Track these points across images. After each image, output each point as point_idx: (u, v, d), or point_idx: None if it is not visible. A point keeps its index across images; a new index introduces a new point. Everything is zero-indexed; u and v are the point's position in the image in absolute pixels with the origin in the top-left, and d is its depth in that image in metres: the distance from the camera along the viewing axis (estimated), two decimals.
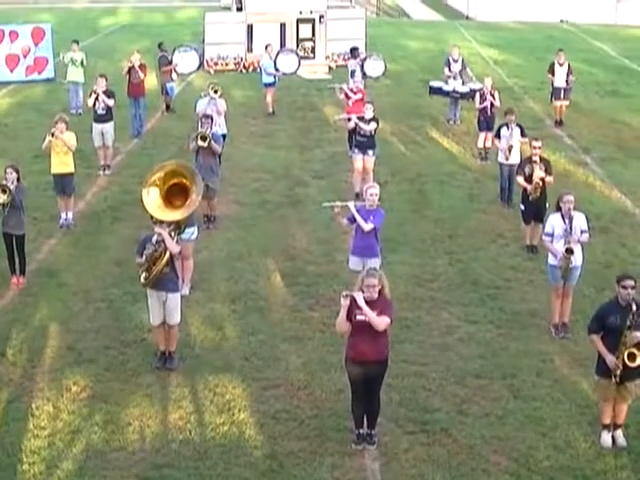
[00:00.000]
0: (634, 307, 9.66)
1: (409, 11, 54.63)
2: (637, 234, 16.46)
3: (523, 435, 10.25)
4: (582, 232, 12.49)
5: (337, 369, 11.17)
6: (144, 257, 11.35)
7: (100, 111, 19.46)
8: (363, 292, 9.60)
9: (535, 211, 15.34)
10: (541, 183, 15.22)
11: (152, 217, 11.52)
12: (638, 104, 27.03)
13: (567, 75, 23.72)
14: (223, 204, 17.24)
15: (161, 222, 11.40)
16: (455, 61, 24.68)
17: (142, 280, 11.46)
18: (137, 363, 11.72)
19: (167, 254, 11.28)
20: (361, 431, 10.02)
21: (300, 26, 32.13)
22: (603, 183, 19.35)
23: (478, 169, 20.27)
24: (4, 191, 13.64)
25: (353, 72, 24.20)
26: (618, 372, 9.75)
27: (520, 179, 15.58)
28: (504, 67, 33.21)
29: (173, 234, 11.45)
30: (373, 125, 17.70)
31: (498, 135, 17.82)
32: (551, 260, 12.61)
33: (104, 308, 13.33)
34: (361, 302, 9.52)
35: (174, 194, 11.58)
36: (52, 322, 12.85)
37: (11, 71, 29.16)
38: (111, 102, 19.49)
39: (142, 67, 22.87)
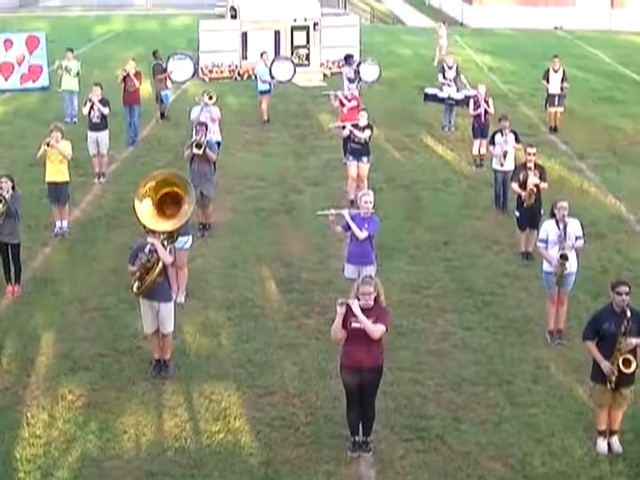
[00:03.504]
0: (628, 313, 9.67)
1: (403, 18, 54.73)
2: (632, 240, 16.47)
3: (519, 442, 10.24)
4: (577, 238, 12.48)
5: (332, 376, 11.15)
6: (136, 266, 11.31)
7: (95, 119, 19.45)
8: (359, 300, 9.60)
9: (530, 218, 15.33)
10: (535, 190, 15.22)
11: (144, 227, 11.50)
12: (633, 110, 27.08)
13: (562, 82, 23.74)
14: (218, 211, 17.23)
15: (154, 232, 11.36)
16: (450, 68, 24.70)
17: (134, 289, 11.44)
18: (132, 371, 11.71)
19: (160, 264, 11.25)
20: (357, 438, 10.01)
21: (294, 33, 32.19)
22: (598, 189, 19.37)
23: (473, 176, 20.28)
24: None
25: (349, 79, 24.28)
26: (613, 378, 9.76)
27: (514, 185, 15.57)
28: (498, 73, 33.29)
29: (166, 243, 11.41)
30: (367, 133, 17.71)
31: (492, 142, 17.86)
32: (546, 267, 12.61)
33: (99, 316, 13.31)
34: (356, 310, 9.51)
35: (167, 203, 11.53)
36: (47, 330, 12.83)
37: (5, 79, 29.13)
38: (106, 110, 19.48)
39: (137, 75, 22.85)
